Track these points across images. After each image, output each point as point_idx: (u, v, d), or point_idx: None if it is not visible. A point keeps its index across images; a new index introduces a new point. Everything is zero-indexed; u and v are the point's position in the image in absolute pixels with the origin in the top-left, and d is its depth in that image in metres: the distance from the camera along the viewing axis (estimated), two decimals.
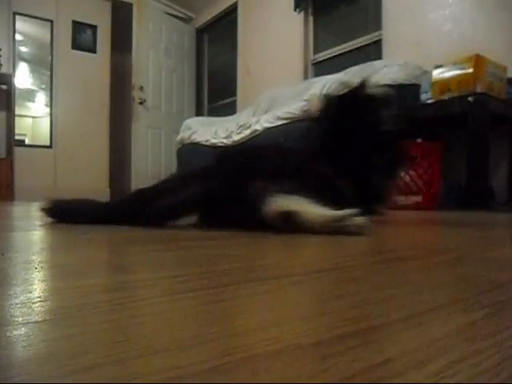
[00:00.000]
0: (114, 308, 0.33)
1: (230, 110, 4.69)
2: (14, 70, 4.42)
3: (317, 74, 3.66)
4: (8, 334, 0.26)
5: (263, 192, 0.82)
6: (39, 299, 0.35)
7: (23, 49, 4.59)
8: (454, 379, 0.20)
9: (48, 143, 4.67)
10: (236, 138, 3.00)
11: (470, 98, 1.98)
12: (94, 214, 1.11)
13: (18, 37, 4.49)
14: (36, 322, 0.29)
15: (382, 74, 2.57)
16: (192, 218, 0.97)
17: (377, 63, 2.79)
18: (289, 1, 3.79)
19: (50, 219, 1.16)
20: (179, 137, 3.85)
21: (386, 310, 0.32)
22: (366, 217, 0.80)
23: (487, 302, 0.35)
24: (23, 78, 4.59)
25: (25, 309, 0.32)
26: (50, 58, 4.67)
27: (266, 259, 0.61)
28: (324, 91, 2.20)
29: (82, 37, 4.86)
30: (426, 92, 2.31)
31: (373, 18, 3.15)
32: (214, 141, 3.28)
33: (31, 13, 4.52)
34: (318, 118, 1.23)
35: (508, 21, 2.31)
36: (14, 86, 4.30)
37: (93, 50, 4.93)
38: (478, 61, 2.02)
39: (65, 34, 4.73)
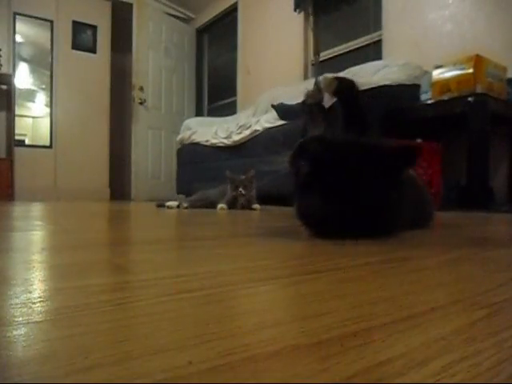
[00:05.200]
0: (114, 308, 0.33)
1: (230, 110, 4.69)
2: (14, 70, 4.42)
3: (317, 74, 3.66)
4: (8, 334, 0.26)
5: None
6: (39, 299, 0.35)
7: (23, 49, 4.59)
8: (453, 379, 0.20)
9: (48, 143, 4.67)
10: (236, 138, 3.00)
11: (470, 98, 1.98)
12: None
13: (18, 37, 4.49)
14: (36, 322, 0.29)
15: (382, 74, 2.57)
16: None
17: (377, 63, 2.79)
18: (289, 1, 3.79)
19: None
20: (179, 137, 3.85)
21: (385, 310, 0.32)
22: None
23: (487, 302, 0.35)
24: (23, 78, 4.59)
25: (25, 309, 0.32)
26: (50, 58, 4.67)
27: (265, 259, 0.61)
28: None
29: (82, 37, 4.85)
30: (426, 92, 2.31)
31: (373, 18, 3.15)
32: (214, 141, 3.28)
33: (31, 13, 4.51)
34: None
35: (508, 21, 2.31)
36: (14, 85, 4.29)
37: (93, 50, 4.93)
38: (477, 61, 2.02)
39: (65, 34, 4.73)
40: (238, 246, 0.78)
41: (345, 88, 0.95)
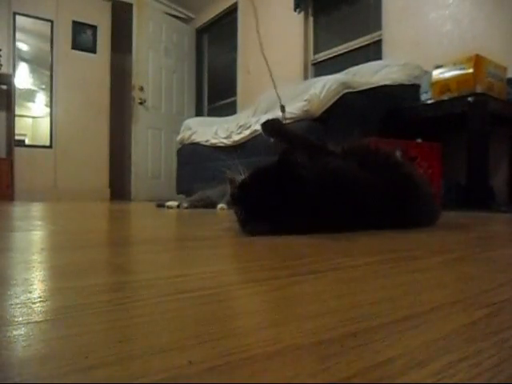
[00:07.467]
0: (114, 308, 0.33)
1: (230, 110, 4.69)
2: (14, 70, 4.42)
3: (317, 74, 3.66)
4: (8, 334, 0.26)
5: None
6: (39, 299, 0.35)
7: (23, 49, 4.59)
8: (453, 379, 0.20)
9: (48, 143, 4.67)
10: (236, 137, 3.00)
11: (469, 99, 1.98)
12: None
13: (18, 37, 4.49)
14: (36, 321, 0.29)
15: (382, 74, 2.57)
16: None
17: (377, 63, 2.79)
18: (289, 1, 3.79)
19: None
20: (179, 137, 3.85)
21: (385, 310, 0.32)
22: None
23: (487, 301, 0.35)
24: (23, 77, 4.59)
25: (25, 309, 0.32)
26: (50, 58, 4.66)
27: (265, 259, 0.61)
28: (324, 91, 2.19)
29: (82, 37, 4.85)
30: (426, 92, 2.30)
31: (373, 18, 3.15)
32: (214, 141, 3.28)
33: (31, 13, 4.51)
34: None
35: (508, 21, 2.31)
36: (14, 85, 4.29)
37: (93, 50, 4.92)
38: (477, 61, 2.02)
39: (65, 34, 4.73)
40: (237, 245, 0.78)
41: (270, 126, 1.19)
